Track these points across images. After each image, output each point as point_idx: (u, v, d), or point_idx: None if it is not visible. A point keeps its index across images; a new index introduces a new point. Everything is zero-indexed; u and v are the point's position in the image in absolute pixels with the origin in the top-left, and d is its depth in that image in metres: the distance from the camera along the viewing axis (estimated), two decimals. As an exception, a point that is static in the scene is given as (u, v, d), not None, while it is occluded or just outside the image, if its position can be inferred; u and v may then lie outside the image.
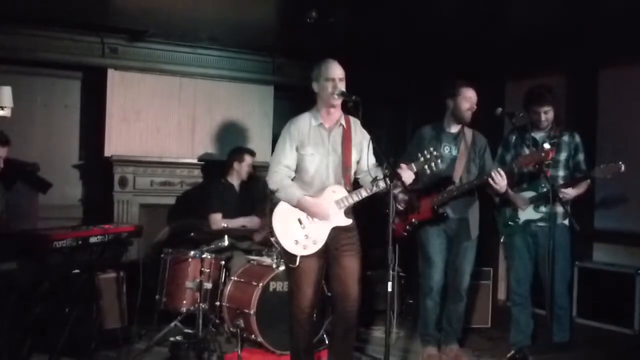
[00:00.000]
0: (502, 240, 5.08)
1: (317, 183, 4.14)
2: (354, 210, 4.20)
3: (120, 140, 6.41)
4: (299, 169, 4.17)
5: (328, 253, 4.14)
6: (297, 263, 4.05)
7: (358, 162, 4.23)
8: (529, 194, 4.82)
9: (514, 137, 4.92)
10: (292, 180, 4.17)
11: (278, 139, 4.25)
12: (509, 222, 4.93)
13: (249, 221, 5.87)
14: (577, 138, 4.81)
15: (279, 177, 4.11)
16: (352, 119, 4.24)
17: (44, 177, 5.82)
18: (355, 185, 4.26)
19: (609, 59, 5.72)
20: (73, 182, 6.48)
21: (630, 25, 5.24)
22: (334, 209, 4.08)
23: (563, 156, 4.79)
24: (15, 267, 4.16)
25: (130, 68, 6.46)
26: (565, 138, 4.80)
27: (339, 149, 4.16)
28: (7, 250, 4.17)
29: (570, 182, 4.68)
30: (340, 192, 4.10)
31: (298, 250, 4.07)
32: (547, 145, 4.43)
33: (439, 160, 4.06)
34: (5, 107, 5.88)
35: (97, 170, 6.42)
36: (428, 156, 4.00)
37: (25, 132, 6.11)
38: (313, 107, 4.24)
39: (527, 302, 4.92)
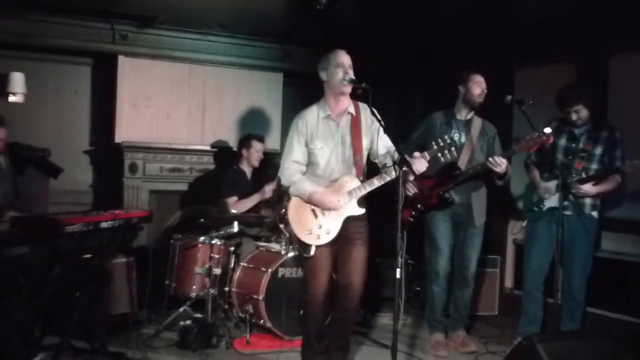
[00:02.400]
0: (524, 224, 5.06)
1: (328, 175, 4.15)
2: (366, 201, 4.18)
3: (130, 126, 6.40)
4: (310, 163, 4.18)
5: (338, 241, 4.15)
6: (312, 253, 4.07)
7: (371, 148, 4.22)
8: (558, 182, 4.69)
9: (553, 126, 4.86)
10: (305, 173, 4.18)
11: (288, 134, 4.25)
12: (534, 208, 4.92)
13: (260, 195, 5.82)
14: (617, 134, 4.79)
15: (290, 173, 4.13)
16: (361, 104, 4.21)
17: (55, 163, 5.83)
18: (374, 169, 4.24)
19: (619, 46, 5.66)
20: (84, 168, 6.49)
21: (635, 15, 5.19)
22: (346, 199, 4.08)
23: (598, 151, 4.77)
24: (27, 251, 4.18)
25: (141, 54, 6.44)
26: (604, 133, 4.79)
27: (348, 139, 4.14)
28: (19, 234, 4.18)
29: (589, 177, 4.67)
30: (353, 182, 4.09)
31: (312, 240, 4.08)
32: (547, 130, 4.42)
33: (453, 148, 4.00)
34: (18, 93, 5.93)
35: (108, 156, 6.43)
36: (442, 144, 3.95)
37: (37, 117, 6.12)
38: (322, 98, 4.23)
39: (539, 293, 4.90)
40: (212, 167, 6.71)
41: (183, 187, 6.66)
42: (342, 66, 4.05)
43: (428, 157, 3.94)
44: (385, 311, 5.92)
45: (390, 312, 5.45)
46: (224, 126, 6.85)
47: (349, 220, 4.12)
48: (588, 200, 4.75)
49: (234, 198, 5.73)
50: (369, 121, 4.18)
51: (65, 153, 6.23)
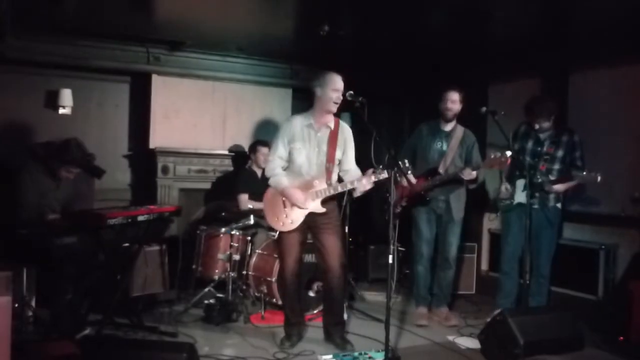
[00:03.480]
0: (497, 215, 5.09)
1: (303, 173, 4.18)
2: (335, 200, 4.27)
3: (162, 134, 6.40)
4: (289, 160, 4.23)
5: (309, 231, 4.25)
6: (276, 236, 4.29)
7: (341, 161, 4.25)
8: (524, 181, 4.72)
9: (522, 130, 4.89)
10: (286, 169, 4.23)
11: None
12: (507, 201, 4.93)
13: None
14: (576, 138, 4.77)
15: (273, 166, 4.23)
16: (341, 122, 4.27)
17: (99, 165, 5.81)
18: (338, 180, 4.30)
19: (577, 65, 5.66)
20: (123, 170, 6.49)
21: (594, 35, 5.20)
22: (312, 198, 4.12)
23: (560, 153, 4.75)
24: (76, 240, 4.18)
25: (171, 74, 6.44)
26: (564, 138, 4.77)
27: (324, 147, 4.18)
28: (69, 226, 4.19)
29: (558, 179, 4.65)
30: (321, 184, 4.14)
31: (277, 226, 4.21)
32: (508, 153, 4.35)
33: (409, 172, 4.04)
34: (67, 106, 5.95)
35: (143, 159, 6.42)
36: (402, 167, 3.89)
37: (83, 127, 6.11)
38: (310, 109, 4.25)
39: (515, 272, 4.90)
40: (231, 169, 6.70)
41: (207, 185, 6.65)
42: (337, 91, 4.08)
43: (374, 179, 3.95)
44: (379, 290, 5.91)
45: (383, 291, 5.43)
46: (241, 134, 6.84)
47: (314, 215, 4.16)
48: (552, 195, 4.74)
49: (245, 195, 5.73)
50: (344, 137, 4.25)
51: (108, 157, 6.19)
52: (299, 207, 4.12)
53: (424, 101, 5.60)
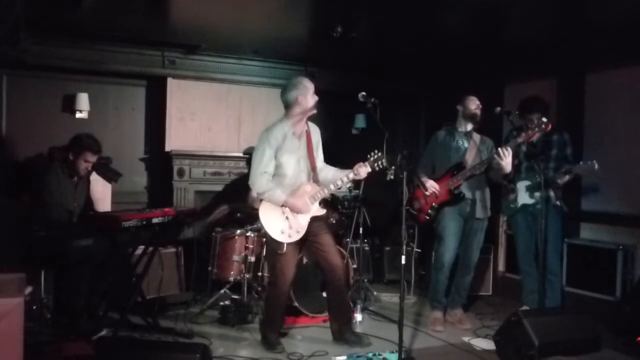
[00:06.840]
0: (505, 219, 5.16)
1: (293, 183, 4.15)
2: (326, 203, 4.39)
3: (178, 137, 6.46)
4: (278, 174, 4.14)
5: (305, 238, 4.19)
6: (284, 250, 4.07)
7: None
8: (526, 182, 4.89)
9: (514, 135, 4.86)
10: (272, 181, 4.14)
11: (257, 147, 4.19)
12: (511, 205, 5.01)
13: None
14: (565, 136, 4.89)
15: (263, 183, 4.07)
16: (309, 123, 4.28)
17: (115, 169, 5.90)
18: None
19: (593, 65, 5.61)
20: (139, 173, 6.55)
21: (610, 36, 5.15)
22: (310, 203, 4.13)
23: (554, 152, 4.86)
24: (92, 242, 4.23)
25: (186, 77, 6.50)
26: (555, 137, 4.88)
27: (306, 152, 4.19)
28: (85, 228, 4.24)
29: (566, 171, 4.67)
30: (313, 188, 4.14)
31: (284, 239, 4.08)
32: (545, 119, 4.37)
33: (383, 160, 4.03)
34: (84, 110, 6.03)
35: (159, 162, 6.48)
36: (375, 156, 4.00)
37: (100, 131, 6.13)
38: (285, 116, 4.22)
39: (532, 269, 4.92)
40: (246, 171, 6.72)
41: (222, 188, 6.69)
42: (315, 96, 4.14)
43: (369, 167, 4.05)
44: (394, 291, 5.90)
45: (398, 293, 5.41)
46: (256, 136, 6.67)
47: (311, 221, 4.16)
48: (552, 194, 4.74)
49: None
50: (316, 137, 4.29)
51: (124, 160, 6.29)
52: (304, 214, 4.10)
53: (440, 102, 5.58)
